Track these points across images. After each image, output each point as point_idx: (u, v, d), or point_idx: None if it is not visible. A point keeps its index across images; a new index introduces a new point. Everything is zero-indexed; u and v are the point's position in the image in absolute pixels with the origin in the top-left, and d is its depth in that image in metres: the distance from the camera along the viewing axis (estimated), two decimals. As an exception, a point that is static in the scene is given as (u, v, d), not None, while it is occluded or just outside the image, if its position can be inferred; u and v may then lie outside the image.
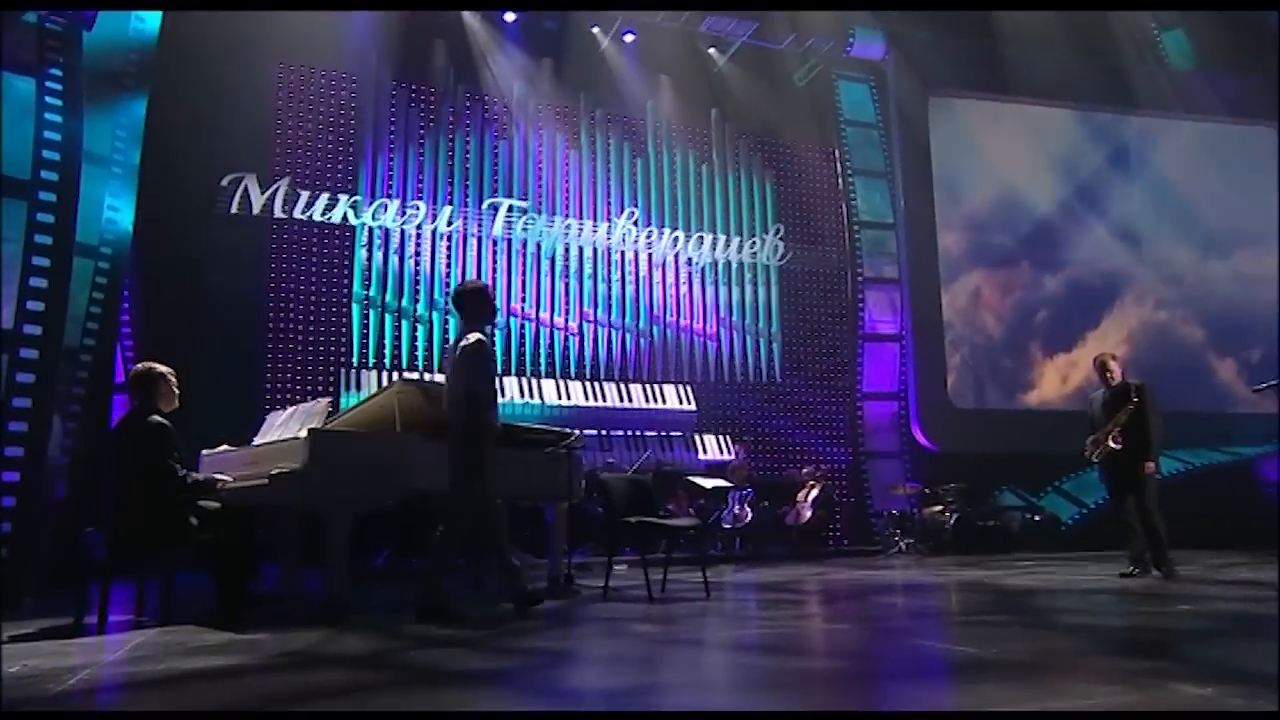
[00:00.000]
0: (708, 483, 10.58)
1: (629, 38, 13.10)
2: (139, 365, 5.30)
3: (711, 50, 13.62)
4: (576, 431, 6.88)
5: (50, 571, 6.47)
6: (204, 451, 5.66)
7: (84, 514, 6.59)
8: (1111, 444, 7.02)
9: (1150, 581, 6.55)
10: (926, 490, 12.19)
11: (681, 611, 4.81)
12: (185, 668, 3.13)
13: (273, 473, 4.52)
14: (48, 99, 6.29)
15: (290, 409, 5.45)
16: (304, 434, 4.65)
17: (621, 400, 12.40)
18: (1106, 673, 2.98)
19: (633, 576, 6.65)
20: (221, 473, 5.10)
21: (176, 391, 5.22)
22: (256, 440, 5.46)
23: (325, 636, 3.92)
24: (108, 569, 4.57)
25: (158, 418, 4.92)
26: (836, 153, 13.83)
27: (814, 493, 11.60)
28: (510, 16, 12.55)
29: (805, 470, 11.94)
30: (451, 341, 5.23)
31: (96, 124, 8.18)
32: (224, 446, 5.65)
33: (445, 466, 5.09)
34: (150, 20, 8.94)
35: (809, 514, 11.48)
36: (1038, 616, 4.71)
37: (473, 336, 4.86)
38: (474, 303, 5.11)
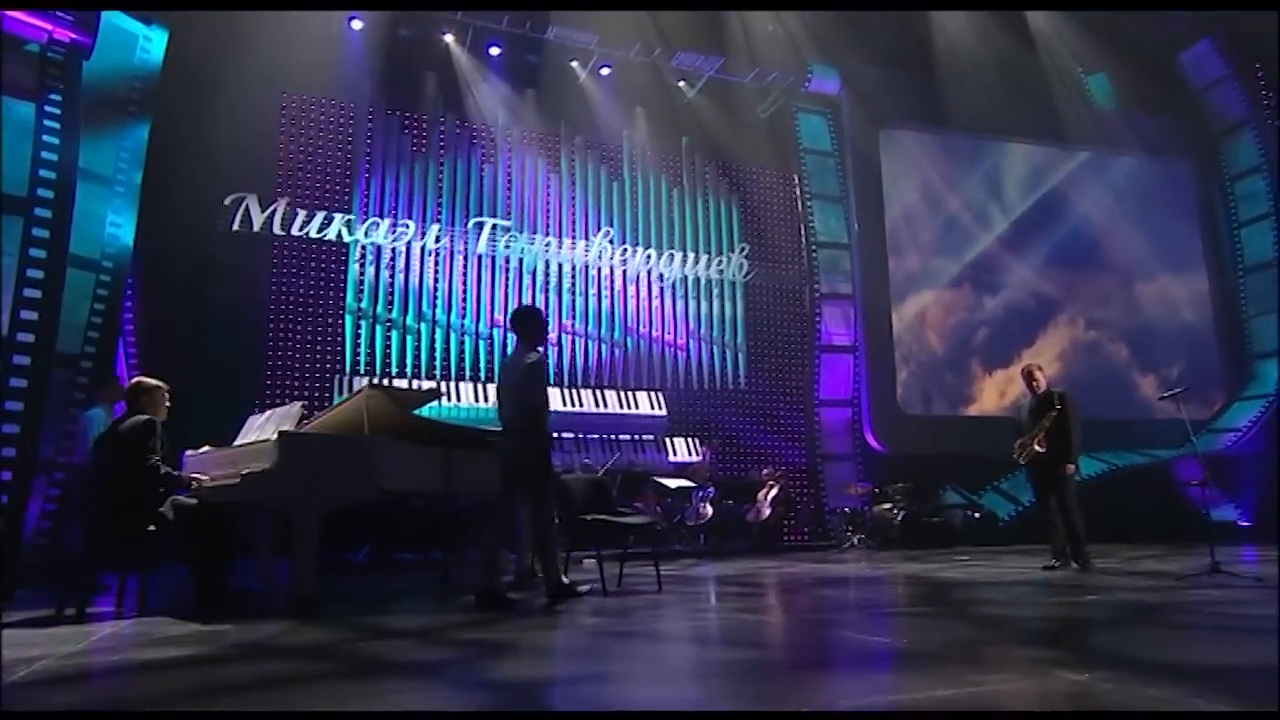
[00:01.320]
0: (672, 483, 10.60)
1: (605, 71, 13.12)
2: (137, 378, 5.27)
3: (681, 84, 13.67)
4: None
5: (49, 566, 6.39)
6: (187, 452, 5.60)
7: (77, 511, 6.54)
8: (1036, 447, 7.07)
9: (1068, 574, 6.58)
10: (876, 490, 12.22)
11: (630, 604, 4.77)
12: (138, 659, 3.08)
13: (244, 472, 4.46)
14: (46, 123, 6.26)
15: (269, 412, 5.40)
16: (274, 436, 4.60)
17: (597, 405, 12.39)
18: (1001, 660, 2.97)
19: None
20: (202, 472, 5.05)
21: (169, 405, 5.19)
22: (236, 442, 5.40)
23: (286, 628, 3.87)
24: (84, 562, 4.50)
25: (148, 416, 4.88)
26: (796, 178, 13.90)
27: (773, 492, 11.58)
28: (495, 50, 12.55)
29: (765, 471, 11.93)
30: (510, 357, 5.35)
31: (101, 147, 8.16)
32: (206, 447, 5.59)
33: (412, 468, 5.11)
34: (154, 50, 8.90)
35: (768, 512, 11.47)
36: (958, 608, 4.69)
37: (532, 355, 5.10)
38: (530, 325, 5.32)
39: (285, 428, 4.81)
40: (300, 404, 5.27)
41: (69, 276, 7.46)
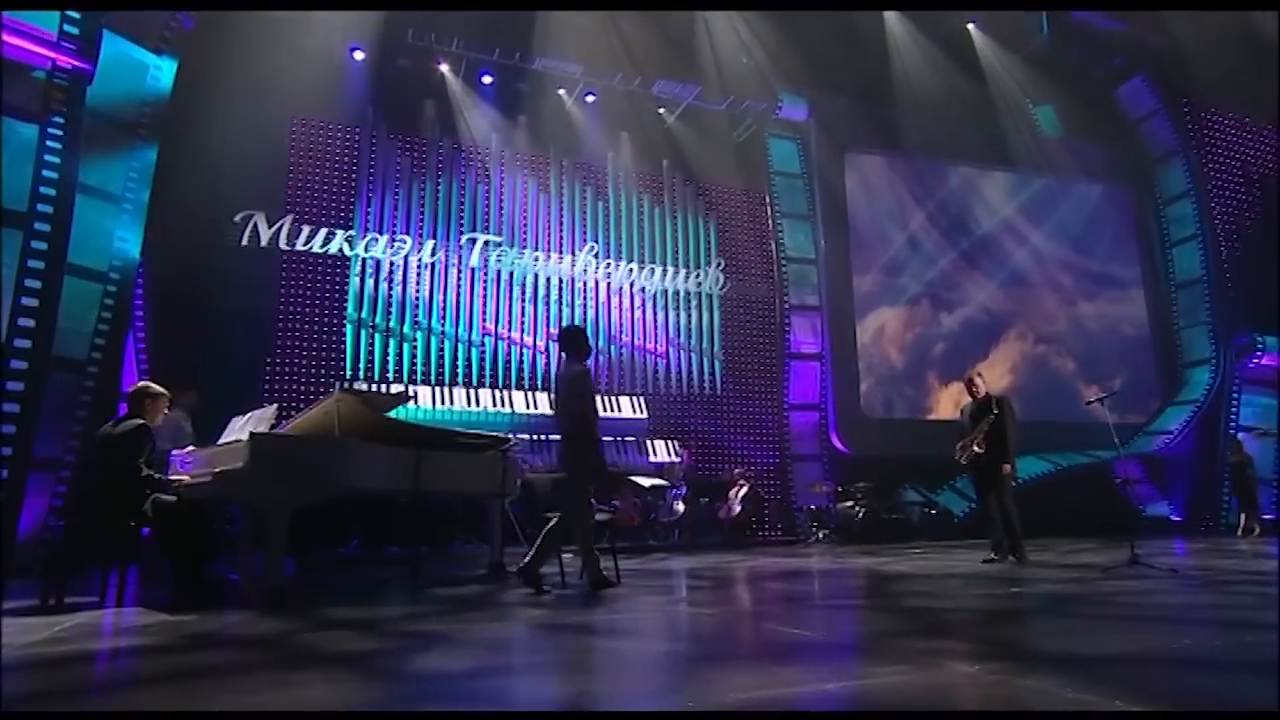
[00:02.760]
0: (647, 481, 10.47)
1: (590, 98, 13.11)
2: (139, 384, 5.21)
3: (661, 110, 13.65)
4: (512, 437, 6.81)
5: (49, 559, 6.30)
6: (173, 452, 5.54)
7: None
8: (975, 448, 7.03)
9: (1005, 567, 6.54)
10: (840, 489, 12.16)
11: (582, 598, 4.67)
12: (87, 648, 3.01)
13: (217, 470, 4.41)
14: (49, 143, 6.21)
15: (249, 414, 5.33)
16: (246, 437, 4.54)
17: (582, 409, 12.28)
18: (903, 652, 2.89)
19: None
20: (185, 471, 4.99)
21: (166, 411, 5.14)
22: (219, 442, 5.34)
23: (245, 619, 3.80)
24: (64, 555, 4.43)
25: (140, 422, 4.83)
26: (767, 198, 13.86)
27: (743, 490, 11.53)
28: (487, 79, 12.56)
29: (736, 471, 11.87)
30: (561, 370, 5.45)
31: (110, 167, 8.12)
32: (190, 447, 5.53)
33: (381, 467, 5.06)
34: (164, 78, 8.85)
35: (738, 509, 11.41)
36: (889, 600, 4.62)
37: (579, 368, 5.26)
38: (574, 341, 5.43)
39: (258, 429, 4.75)
40: (275, 406, 5.22)
41: (77, 287, 7.43)
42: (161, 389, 5.03)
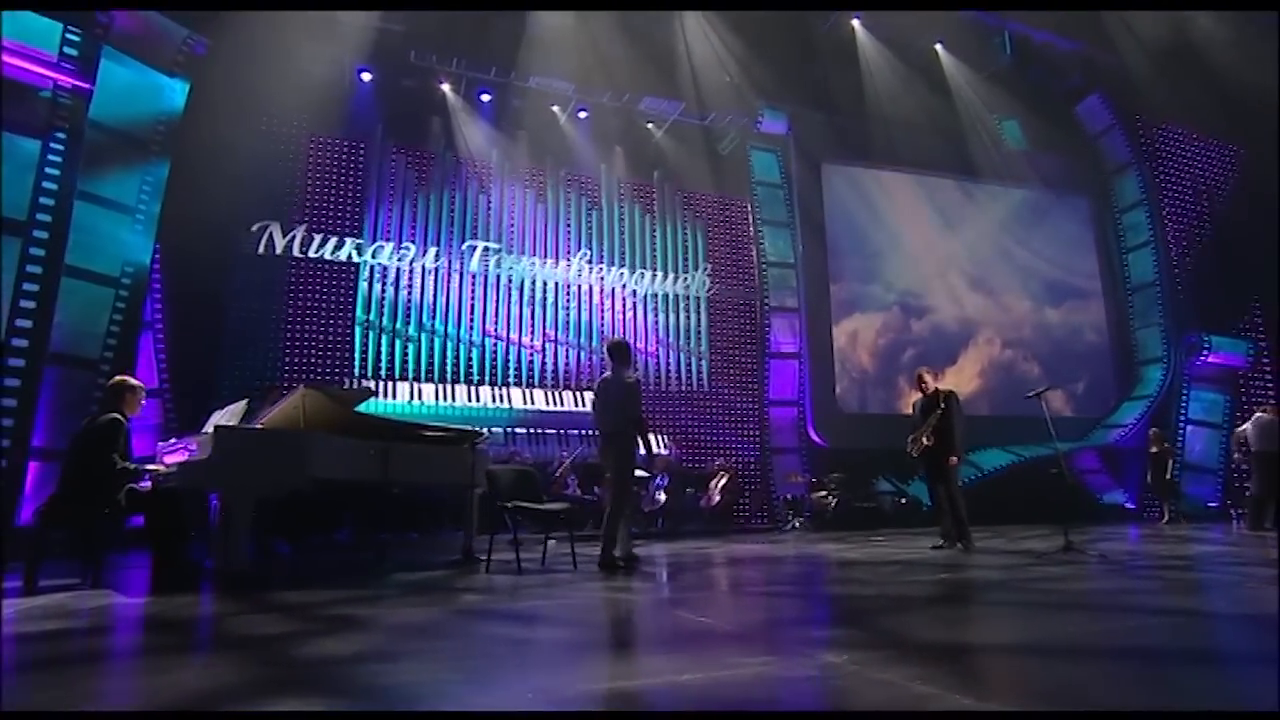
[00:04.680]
0: (627, 472, 10.35)
1: (583, 114, 12.99)
2: (120, 377, 5.12)
3: (650, 125, 13.51)
4: (485, 431, 6.70)
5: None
6: (159, 443, 5.48)
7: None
8: (925, 441, 6.85)
9: (952, 553, 6.35)
10: (814, 479, 11.96)
11: (524, 583, 4.52)
12: (23, 631, 2.91)
13: (180, 461, 4.33)
14: (50, 157, 6.18)
15: (228, 407, 5.25)
16: (211, 429, 4.46)
17: (577, 405, 12.22)
18: (782, 641, 2.75)
19: (559, 550, 6.25)
20: (163, 461, 4.92)
21: (142, 403, 5.06)
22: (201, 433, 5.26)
23: (190, 602, 3.70)
24: (35, 541, 4.37)
25: (115, 415, 4.75)
26: (749, 206, 13.67)
27: (723, 481, 11.37)
28: (486, 97, 12.48)
29: (717, 462, 11.73)
30: (608, 378, 5.76)
31: (125, 180, 8.11)
32: (173, 439, 5.46)
33: (345, 458, 4.97)
34: (176, 99, 8.82)
35: (718, 499, 11.25)
36: (813, 586, 4.46)
37: (631, 377, 5.68)
38: (623, 353, 5.82)
39: (230, 422, 4.67)
40: (246, 400, 5.13)
41: (91, 291, 7.43)
42: (138, 383, 4.94)
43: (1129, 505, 11.47)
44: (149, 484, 4.73)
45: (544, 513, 5.56)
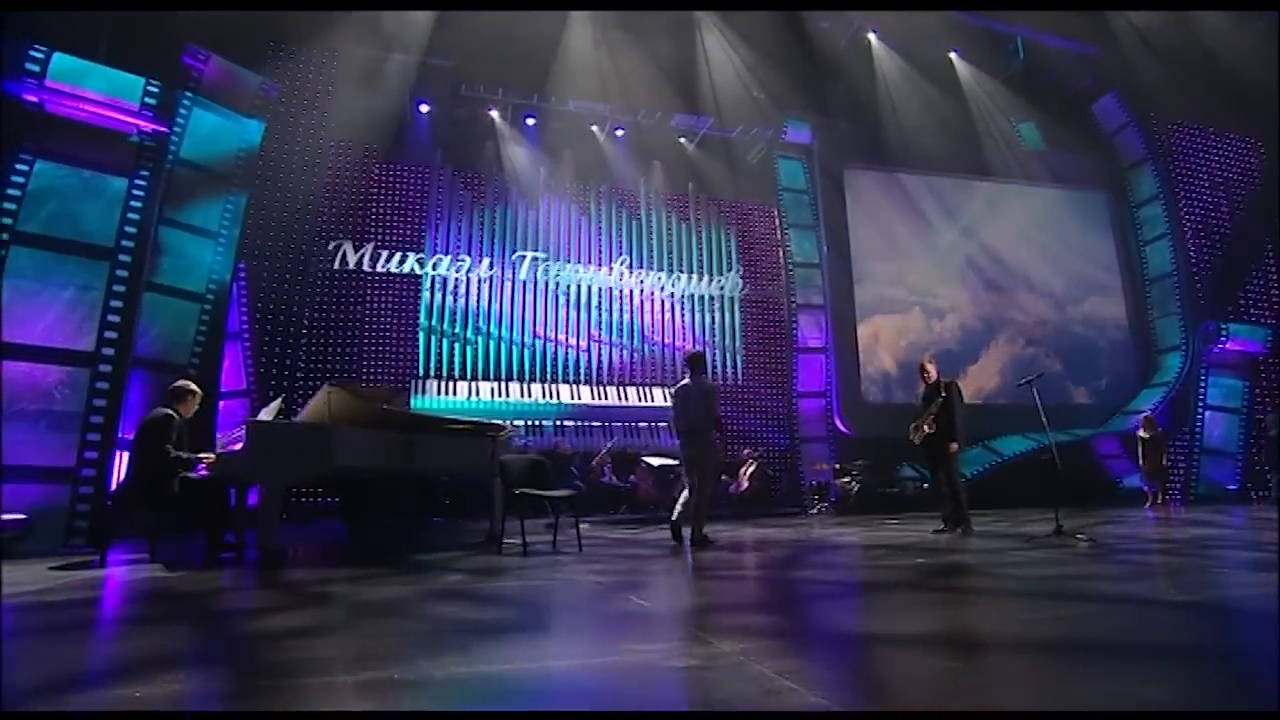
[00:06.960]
0: (656, 461, 10.29)
1: (620, 133, 12.94)
2: (178, 381, 5.30)
3: (682, 140, 13.35)
4: (507, 424, 6.72)
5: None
6: (219, 434, 5.70)
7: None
8: (926, 429, 6.51)
9: (952, 537, 6.02)
10: (838, 466, 11.59)
11: (517, 564, 4.40)
12: (51, 600, 3.04)
13: (218, 452, 4.48)
14: (135, 191, 6.49)
15: (273, 404, 5.41)
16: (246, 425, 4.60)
17: (620, 400, 12.25)
18: (695, 628, 2.55)
19: (590, 532, 6.22)
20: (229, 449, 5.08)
21: (197, 405, 5.23)
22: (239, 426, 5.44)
23: (211, 578, 3.81)
24: (105, 523, 4.59)
25: (168, 410, 4.94)
26: (777, 211, 13.33)
27: (751, 468, 11.13)
28: (530, 121, 12.58)
29: (746, 451, 11.47)
30: (688, 384, 6.01)
31: (209, 209, 8.45)
32: (234, 431, 5.66)
33: (369, 449, 5.03)
34: (252, 136, 9.15)
35: (746, 485, 11.02)
36: (777, 570, 4.22)
37: (708, 383, 6.02)
38: (700, 362, 6.11)
39: (264, 418, 4.81)
40: (282, 398, 5.28)
41: (180, 307, 7.83)
42: (196, 387, 5.15)
43: (1147, 489, 10.73)
44: (204, 472, 4.91)
45: (549, 499, 5.53)
